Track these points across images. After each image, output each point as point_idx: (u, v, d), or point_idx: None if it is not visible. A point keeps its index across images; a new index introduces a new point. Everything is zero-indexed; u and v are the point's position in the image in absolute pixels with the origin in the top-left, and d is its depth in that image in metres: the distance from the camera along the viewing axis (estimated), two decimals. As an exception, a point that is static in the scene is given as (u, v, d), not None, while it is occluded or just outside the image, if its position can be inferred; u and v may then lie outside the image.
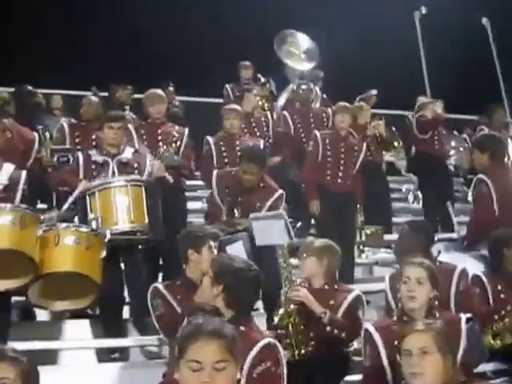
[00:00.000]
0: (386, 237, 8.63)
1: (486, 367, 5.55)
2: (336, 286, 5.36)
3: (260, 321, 5.02)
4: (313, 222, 8.06)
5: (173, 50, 12.18)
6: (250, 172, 6.48)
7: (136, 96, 9.45)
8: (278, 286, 5.35)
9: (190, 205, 8.17)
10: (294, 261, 5.72)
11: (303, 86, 9.63)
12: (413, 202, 10.74)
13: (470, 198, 10.80)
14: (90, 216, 5.63)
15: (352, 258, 7.63)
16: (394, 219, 10.37)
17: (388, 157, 10.32)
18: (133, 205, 5.73)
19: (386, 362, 4.23)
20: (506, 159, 7.36)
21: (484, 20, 13.77)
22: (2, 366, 2.66)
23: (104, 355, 5.82)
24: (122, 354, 5.90)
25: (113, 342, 5.87)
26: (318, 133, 7.91)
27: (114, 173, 6.13)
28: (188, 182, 7.74)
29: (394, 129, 10.58)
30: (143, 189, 5.87)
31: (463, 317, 4.46)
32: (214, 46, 12.18)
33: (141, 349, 5.97)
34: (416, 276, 4.33)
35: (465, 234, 6.99)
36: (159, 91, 7.56)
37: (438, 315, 4.31)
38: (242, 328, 3.66)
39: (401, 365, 3.95)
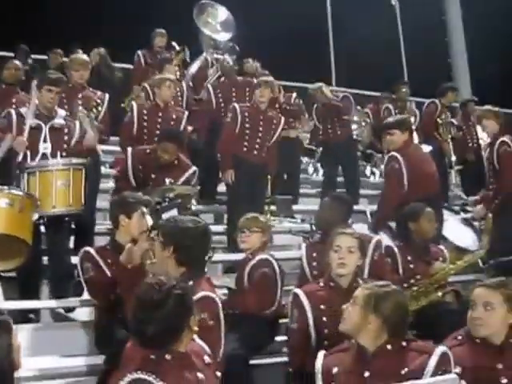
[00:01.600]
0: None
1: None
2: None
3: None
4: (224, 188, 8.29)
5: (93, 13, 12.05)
6: (169, 151, 6.86)
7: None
8: None
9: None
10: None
11: (228, 59, 9.82)
12: (312, 174, 11.09)
13: (367, 172, 11.31)
14: None
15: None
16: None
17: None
18: (72, 189, 5.77)
19: (311, 325, 4.55)
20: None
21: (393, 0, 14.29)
22: None
23: (17, 315, 5.80)
24: (36, 316, 5.96)
25: (29, 303, 5.88)
26: (237, 105, 8.07)
27: (45, 139, 6.09)
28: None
29: (300, 102, 10.94)
30: (83, 171, 5.90)
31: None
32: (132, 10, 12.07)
33: (51, 311, 6.06)
34: (347, 245, 4.65)
35: (376, 209, 7.36)
36: (84, 57, 7.59)
37: (361, 282, 4.61)
38: (190, 283, 3.90)
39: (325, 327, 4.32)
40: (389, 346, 3.57)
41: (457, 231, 7.73)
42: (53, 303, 5.95)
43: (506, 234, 7.06)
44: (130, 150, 7.08)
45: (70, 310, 6.01)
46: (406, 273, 6.08)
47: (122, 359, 3.31)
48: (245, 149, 7.91)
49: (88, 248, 5.31)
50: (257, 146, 7.94)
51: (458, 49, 16.19)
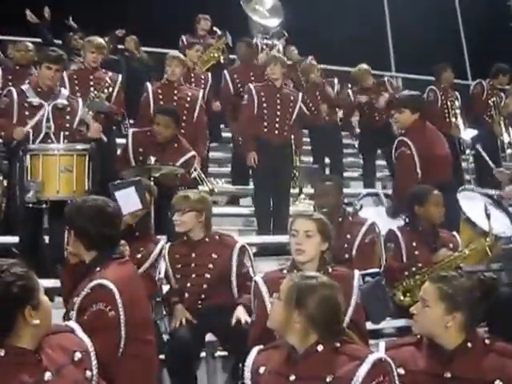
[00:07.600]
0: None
1: (396, 323, 5.35)
2: (218, 237, 4.96)
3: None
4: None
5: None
6: (163, 124, 6.35)
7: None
8: None
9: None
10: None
11: (278, 44, 9.57)
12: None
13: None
14: (29, 178, 5.39)
15: (287, 209, 7.38)
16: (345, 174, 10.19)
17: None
18: (76, 175, 5.46)
19: (271, 314, 3.97)
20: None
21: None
22: None
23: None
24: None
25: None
26: (251, 85, 7.46)
27: (48, 119, 5.79)
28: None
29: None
30: (87, 157, 5.55)
31: (357, 273, 4.13)
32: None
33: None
34: (304, 229, 3.99)
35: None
36: (99, 40, 7.28)
37: (330, 270, 3.99)
38: (97, 268, 3.41)
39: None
40: (319, 348, 2.93)
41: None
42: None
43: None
44: (131, 130, 6.67)
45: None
46: (409, 259, 5.44)
47: None
48: (265, 129, 7.30)
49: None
50: (277, 126, 7.29)
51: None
